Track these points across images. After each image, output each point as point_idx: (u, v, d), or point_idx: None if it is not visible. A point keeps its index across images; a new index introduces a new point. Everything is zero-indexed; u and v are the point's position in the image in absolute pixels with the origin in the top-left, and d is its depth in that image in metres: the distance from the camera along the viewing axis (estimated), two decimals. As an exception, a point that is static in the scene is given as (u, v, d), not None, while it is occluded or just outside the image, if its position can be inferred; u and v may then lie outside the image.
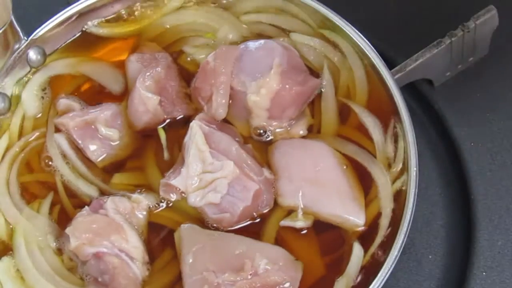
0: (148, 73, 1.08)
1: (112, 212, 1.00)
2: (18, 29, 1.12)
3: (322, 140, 1.06)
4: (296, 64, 1.08)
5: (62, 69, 1.16)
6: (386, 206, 1.01)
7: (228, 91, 1.06)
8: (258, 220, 1.02)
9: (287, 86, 1.04)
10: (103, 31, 1.18)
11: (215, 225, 1.01)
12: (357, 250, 0.98)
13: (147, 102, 1.06)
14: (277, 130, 1.07)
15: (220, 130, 1.05)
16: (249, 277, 0.94)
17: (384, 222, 1.00)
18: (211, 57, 1.08)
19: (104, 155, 1.08)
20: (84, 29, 1.18)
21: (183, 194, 1.03)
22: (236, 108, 1.07)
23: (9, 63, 1.12)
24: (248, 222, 1.02)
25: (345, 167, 1.04)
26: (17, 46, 1.13)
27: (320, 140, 1.06)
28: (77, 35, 1.18)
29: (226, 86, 1.06)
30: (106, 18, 1.19)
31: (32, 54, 1.14)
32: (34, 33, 1.14)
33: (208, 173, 1.00)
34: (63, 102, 1.11)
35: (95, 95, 1.15)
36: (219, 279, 0.94)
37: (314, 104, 1.10)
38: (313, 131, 1.08)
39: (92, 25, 1.18)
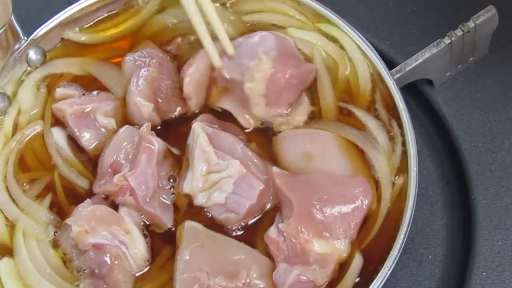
0: (140, 75, 1.08)
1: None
2: (18, 29, 1.12)
3: (325, 128, 1.06)
4: (289, 50, 1.09)
5: (60, 68, 1.15)
6: (386, 192, 1.01)
7: None
8: (260, 215, 1.03)
9: (280, 69, 1.04)
10: (87, 37, 1.17)
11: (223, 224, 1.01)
12: (357, 260, 0.97)
13: (141, 109, 1.06)
14: (278, 119, 1.07)
15: (223, 129, 1.05)
16: (241, 286, 0.94)
17: (383, 207, 1.00)
18: None
19: (96, 142, 1.08)
20: (65, 37, 1.16)
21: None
22: (237, 101, 1.08)
23: (9, 63, 1.12)
24: (253, 220, 1.02)
25: (348, 154, 1.03)
26: (17, 46, 1.13)
27: (324, 129, 1.06)
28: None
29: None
30: (100, 18, 1.18)
31: (32, 54, 1.14)
32: (34, 33, 1.14)
33: (213, 173, 1.00)
34: (60, 91, 1.11)
35: (91, 81, 1.14)
36: (210, 281, 0.94)
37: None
38: (315, 119, 1.09)
39: (73, 33, 1.17)
